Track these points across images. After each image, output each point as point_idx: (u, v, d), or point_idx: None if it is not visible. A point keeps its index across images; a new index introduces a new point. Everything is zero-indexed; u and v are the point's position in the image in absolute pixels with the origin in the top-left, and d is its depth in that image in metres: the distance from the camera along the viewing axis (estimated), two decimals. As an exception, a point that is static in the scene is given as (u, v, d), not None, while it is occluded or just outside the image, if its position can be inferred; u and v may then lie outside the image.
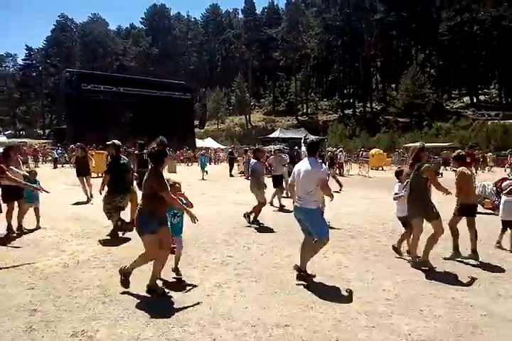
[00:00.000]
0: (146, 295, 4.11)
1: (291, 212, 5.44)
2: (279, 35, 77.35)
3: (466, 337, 3.38)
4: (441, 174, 21.82)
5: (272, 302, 4.02)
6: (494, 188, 8.69)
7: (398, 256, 5.64)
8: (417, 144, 5.51)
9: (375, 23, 69.87)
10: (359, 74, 69.59)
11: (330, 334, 3.37)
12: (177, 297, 4.12)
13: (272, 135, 25.67)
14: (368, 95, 68.26)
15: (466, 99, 63.64)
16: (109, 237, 6.53)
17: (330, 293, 4.25)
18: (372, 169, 24.37)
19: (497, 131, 42.05)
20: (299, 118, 71.31)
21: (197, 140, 47.12)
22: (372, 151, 26.51)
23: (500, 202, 9.21)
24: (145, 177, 4.16)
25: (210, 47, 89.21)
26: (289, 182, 5.03)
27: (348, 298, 4.15)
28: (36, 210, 7.35)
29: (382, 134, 50.41)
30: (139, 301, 3.98)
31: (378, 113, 65.47)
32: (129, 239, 6.31)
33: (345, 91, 75.39)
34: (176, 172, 23.10)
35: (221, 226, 7.71)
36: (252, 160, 8.68)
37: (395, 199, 5.80)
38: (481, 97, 63.28)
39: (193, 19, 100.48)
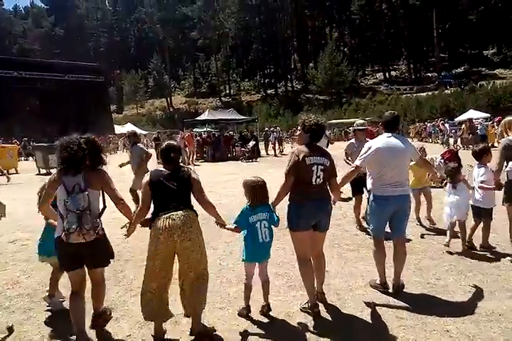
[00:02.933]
0: None
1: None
2: (195, 14, 74.38)
3: None
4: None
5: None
6: (442, 161, 8.46)
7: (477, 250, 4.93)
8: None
9: (290, 2, 69.78)
10: (278, 53, 69.54)
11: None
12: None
13: (200, 117, 24.21)
14: (288, 74, 68.66)
15: (379, 75, 66.69)
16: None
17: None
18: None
19: (411, 104, 44.46)
20: (223, 99, 69.91)
21: (116, 126, 44.05)
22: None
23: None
24: None
25: (121, 27, 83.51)
26: (355, 165, 3.87)
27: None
28: None
29: (305, 112, 50.94)
30: None
31: (299, 92, 66.29)
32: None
33: (266, 71, 75.20)
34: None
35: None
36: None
37: (484, 188, 4.70)
38: (393, 73, 66.62)
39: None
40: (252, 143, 20.07)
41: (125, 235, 3.36)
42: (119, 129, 42.70)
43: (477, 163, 4.87)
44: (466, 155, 7.33)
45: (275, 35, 69.71)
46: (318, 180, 3.41)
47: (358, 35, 69.92)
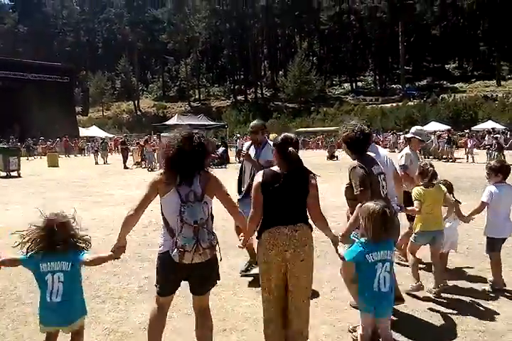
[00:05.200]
0: None
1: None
2: (165, 17, 73.78)
3: None
4: (337, 157, 22.73)
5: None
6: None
7: None
8: None
9: (261, 9, 70.50)
10: (248, 60, 69.96)
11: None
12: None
13: (169, 122, 23.95)
14: (258, 81, 69.13)
15: (346, 85, 68.34)
16: None
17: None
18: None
19: (376, 114, 45.77)
20: (192, 104, 69.40)
21: (80, 128, 42.80)
22: (272, 136, 26.44)
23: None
24: None
25: (88, 27, 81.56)
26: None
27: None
28: None
29: (274, 120, 51.44)
30: None
31: (269, 99, 66.85)
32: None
33: (236, 78, 75.41)
34: (57, 166, 20.37)
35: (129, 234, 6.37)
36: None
37: None
38: (359, 84, 68.44)
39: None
40: (221, 149, 20.05)
41: (240, 246, 2.88)
42: (83, 132, 41.52)
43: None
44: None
45: (246, 41, 70.16)
46: (384, 190, 3.11)
47: (326, 45, 71.51)
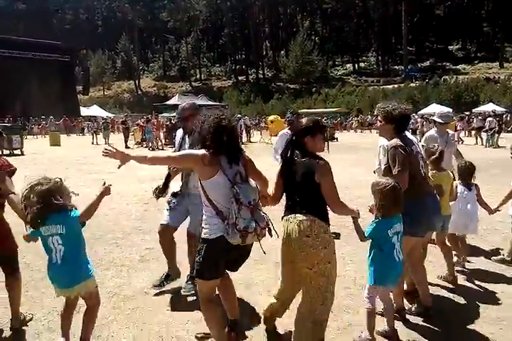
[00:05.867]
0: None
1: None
2: (165, -6, 72.46)
3: None
4: (337, 138, 22.91)
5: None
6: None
7: None
8: None
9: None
10: (249, 39, 69.05)
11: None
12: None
13: (170, 102, 24.02)
14: (259, 61, 68.44)
15: (349, 65, 67.63)
16: None
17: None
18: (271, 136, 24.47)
19: (378, 95, 45.50)
20: (193, 83, 68.97)
21: (81, 108, 42.80)
22: (271, 117, 26.49)
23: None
24: None
25: (87, 5, 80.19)
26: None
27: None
28: None
29: (275, 100, 51.27)
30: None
31: (270, 79, 66.34)
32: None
33: (237, 57, 74.59)
34: (59, 145, 20.60)
35: (129, 209, 6.69)
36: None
37: None
38: (362, 64, 67.72)
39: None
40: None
41: None
42: (84, 111, 41.53)
43: None
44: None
45: (247, 20, 69.05)
46: (423, 170, 3.08)
47: (329, 24, 70.36)
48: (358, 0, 66.57)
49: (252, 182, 2.42)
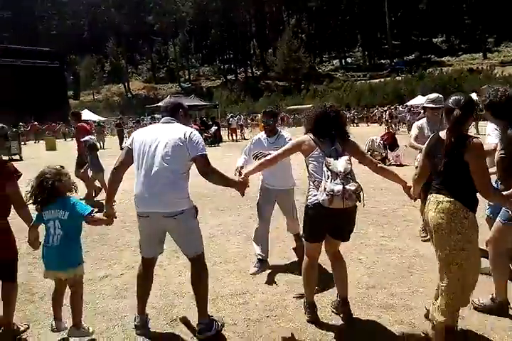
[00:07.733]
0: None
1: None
2: (151, -2, 72.68)
3: (407, 278, 3.63)
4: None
5: (220, 272, 3.96)
6: (381, 142, 9.59)
7: None
8: None
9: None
10: (237, 39, 69.60)
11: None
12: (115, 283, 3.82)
13: (162, 103, 24.35)
14: (247, 60, 69.00)
15: (336, 61, 68.47)
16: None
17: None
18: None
19: (365, 90, 46.35)
20: (183, 84, 69.44)
21: (73, 113, 42.98)
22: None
23: (387, 154, 10.30)
24: None
25: (73, 10, 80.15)
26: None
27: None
28: None
29: (265, 98, 51.86)
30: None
31: (259, 78, 67.03)
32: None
33: (225, 57, 75.13)
34: (55, 150, 21.06)
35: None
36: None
37: None
38: (348, 60, 68.61)
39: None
40: (213, 129, 20.80)
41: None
42: (76, 116, 41.67)
43: None
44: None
45: (233, 20, 69.53)
46: None
47: (315, 21, 71.05)
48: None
49: (345, 157, 2.65)
